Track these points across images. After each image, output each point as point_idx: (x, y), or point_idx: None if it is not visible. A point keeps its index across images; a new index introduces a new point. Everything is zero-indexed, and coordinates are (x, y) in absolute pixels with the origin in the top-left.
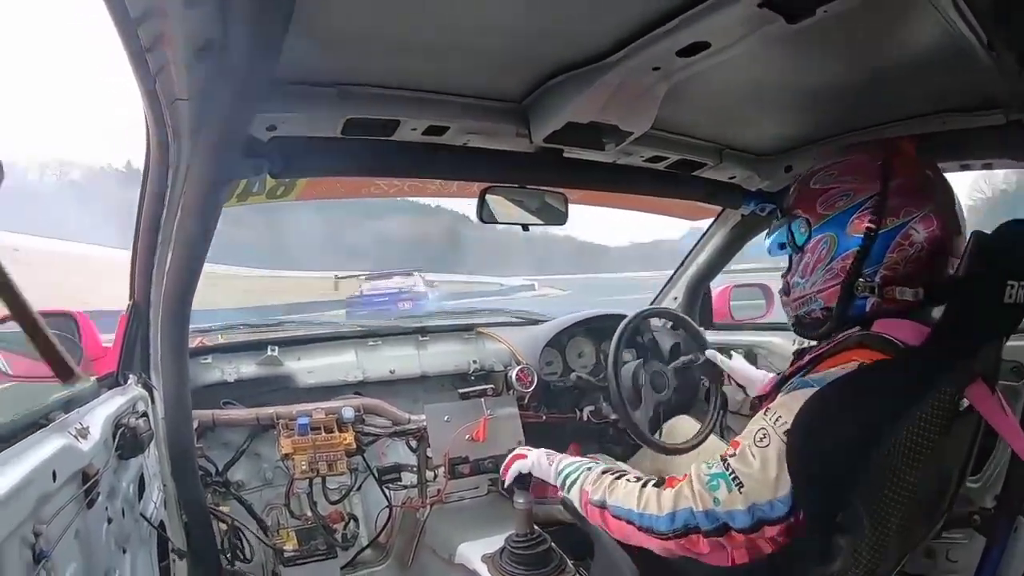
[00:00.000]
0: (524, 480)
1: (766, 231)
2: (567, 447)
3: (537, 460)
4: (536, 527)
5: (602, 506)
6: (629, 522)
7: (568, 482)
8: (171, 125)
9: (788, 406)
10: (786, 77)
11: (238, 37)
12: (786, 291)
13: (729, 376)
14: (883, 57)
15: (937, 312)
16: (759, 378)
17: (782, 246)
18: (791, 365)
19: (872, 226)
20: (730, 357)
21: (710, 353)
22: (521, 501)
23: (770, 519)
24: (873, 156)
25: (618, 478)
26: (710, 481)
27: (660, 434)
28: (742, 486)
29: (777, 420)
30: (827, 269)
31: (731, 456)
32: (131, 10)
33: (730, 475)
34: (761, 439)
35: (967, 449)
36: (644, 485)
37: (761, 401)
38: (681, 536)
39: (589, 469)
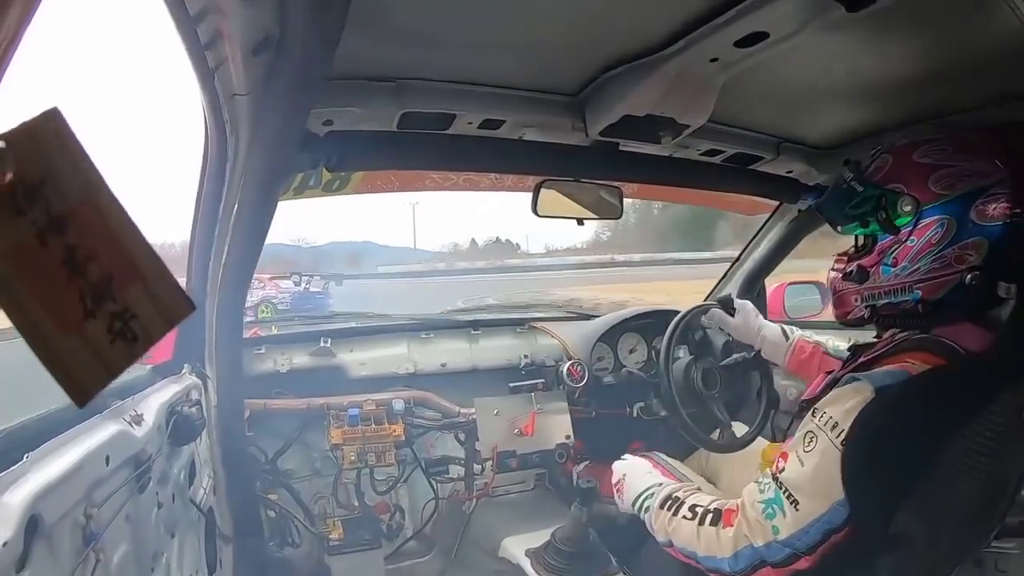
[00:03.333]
0: (589, 495)
1: (820, 202)
2: (626, 446)
3: (619, 482)
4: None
5: (669, 545)
6: (696, 562)
7: (639, 511)
8: (229, 120)
9: (837, 402)
10: (846, 68)
11: (295, 33)
12: (859, 277)
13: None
14: (945, 45)
15: (997, 314)
16: (763, 331)
17: (865, 224)
18: (843, 364)
19: (999, 215)
20: (734, 312)
21: (711, 312)
22: (577, 513)
23: (835, 527)
24: (992, 137)
25: (675, 511)
26: (765, 509)
27: (714, 432)
28: (797, 503)
29: (824, 418)
30: (938, 257)
31: (781, 472)
32: (190, 8)
33: (784, 495)
34: (809, 442)
35: None
36: (701, 522)
37: (810, 405)
38: (750, 573)
39: (652, 496)
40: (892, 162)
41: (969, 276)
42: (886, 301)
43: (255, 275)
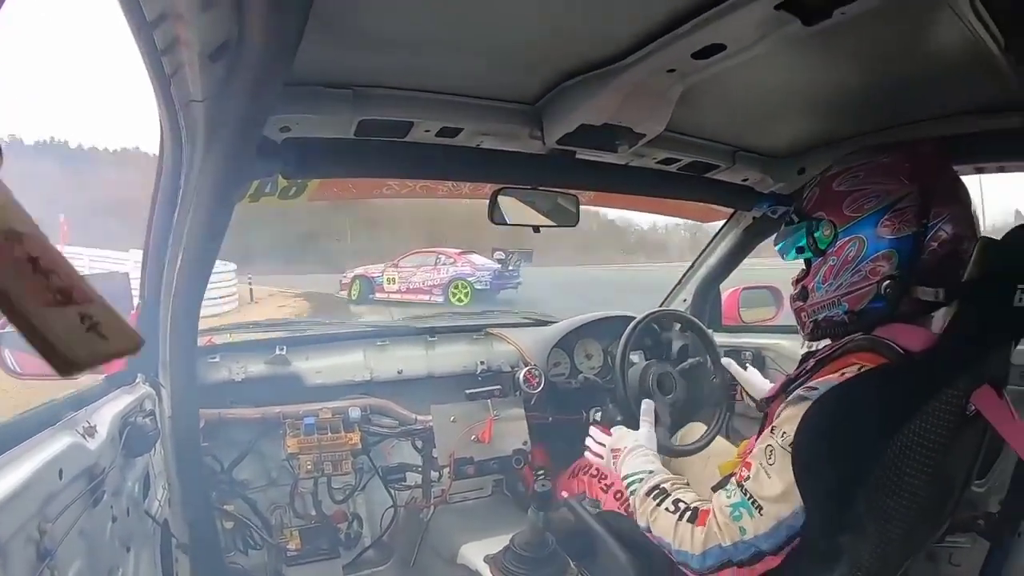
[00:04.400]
0: (545, 499)
1: (775, 234)
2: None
3: (619, 447)
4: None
5: (647, 530)
6: (668, 551)
7: (627, 491)
8: (185, 126)
9: (790, 420)
10: (801, 79)
11: (253, 39)
12: (803, 296)
13: (742, 388)
14: (899, 59)
15: (938, 317)
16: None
17: (800, 250)
18: (797, 368)
19: (905, 228)
20: (745, 367)
21: (726, 361)
22: (534, 517)
23: (796, 530)
24: (900, 157)
25: (660, 502)
26: (732, 512)
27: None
28: (762, 508)
29: (783, 436)
30: (855, 272)
31: (746, 480)
32: (147, 13)
33: (749, 501)
34: (769, 456)
35: (973, 453)
36: (681, 517)
37: (768, 403)
38: (716, 570)
39: (641, 481)
40: (818, 193)
41: (884, 285)
42: (824, 315)
43: (440, 250)
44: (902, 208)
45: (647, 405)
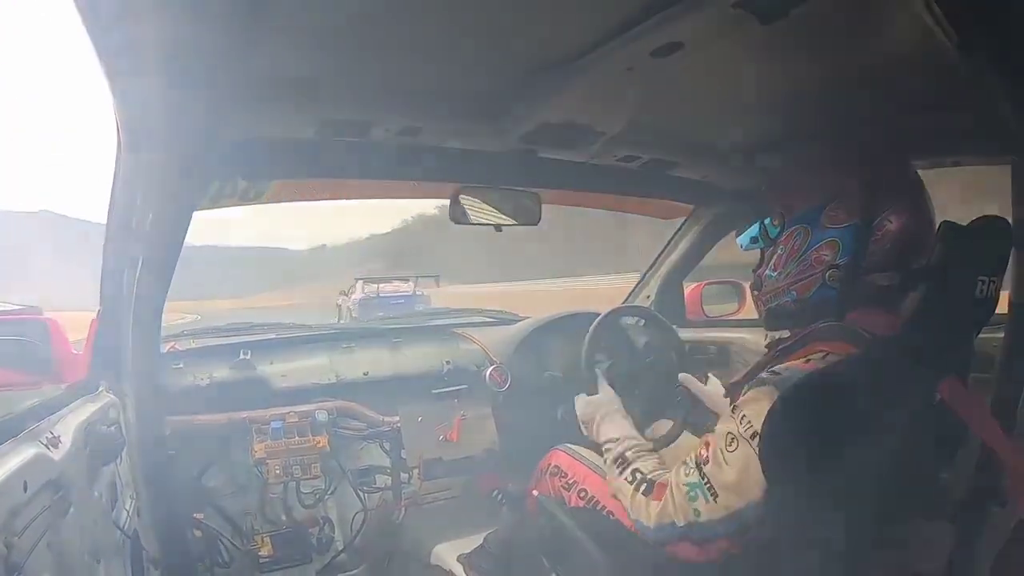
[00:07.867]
0: (518, 497)
1: (736, 228)
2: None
3: (590, 420)
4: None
5: (613, 496)
6: (626, 515)
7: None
8: (142, 129)
9: (752, 403)
10: (759, 77)
11: (209, 39)
12: (758, 285)
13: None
14: (855, 58)
15: (908, 302)
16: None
17: (754, 240)
18: (766, 355)
19: (848, 218)
20: (706, 380)
21: (683, 377)
22: (507, 516)
23: (751, 521)
24: (847, 150)
25: (621, 471)
26: (689, 492)
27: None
28: (717, 496)
29: (743, 420)
30: (800, 261)
31: (705, 463)
32: (103, 14)
33: (705, 485)
34: (730, 443)
35: (939, 441)
36: (637, 489)
37: (736, 388)
38: (668, 544)
39: (609, 451)
40: (770, 185)
41: (828, 274)
42: (775, 303)
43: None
44: (844, 200)
45: (598, 373)
